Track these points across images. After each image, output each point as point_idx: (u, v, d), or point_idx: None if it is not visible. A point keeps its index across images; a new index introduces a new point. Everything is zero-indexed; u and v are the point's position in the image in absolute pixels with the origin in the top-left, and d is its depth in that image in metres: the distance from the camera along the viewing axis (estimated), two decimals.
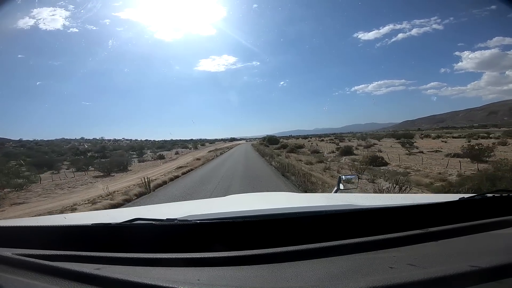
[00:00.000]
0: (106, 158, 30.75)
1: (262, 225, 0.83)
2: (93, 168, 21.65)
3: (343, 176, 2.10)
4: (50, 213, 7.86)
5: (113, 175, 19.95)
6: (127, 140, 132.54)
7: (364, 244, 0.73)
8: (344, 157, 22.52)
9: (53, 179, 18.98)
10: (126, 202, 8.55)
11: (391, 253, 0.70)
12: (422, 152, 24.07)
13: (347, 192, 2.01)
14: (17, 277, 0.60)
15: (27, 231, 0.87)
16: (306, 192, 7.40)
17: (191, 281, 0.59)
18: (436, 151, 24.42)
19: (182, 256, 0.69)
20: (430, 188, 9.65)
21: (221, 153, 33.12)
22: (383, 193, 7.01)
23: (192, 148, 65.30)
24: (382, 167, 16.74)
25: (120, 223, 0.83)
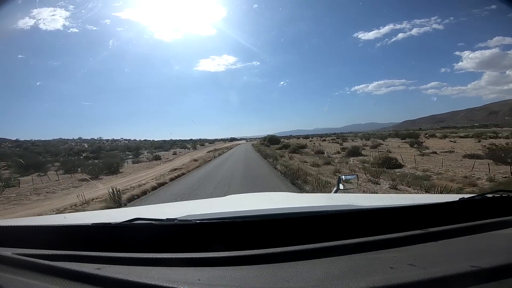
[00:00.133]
0: (101, 159, 29.12)
1: (262, 225, 0.83)
2: (80, 171, 19.93)
3: (343, 176, 2.06)
4: None
5: (102, 178, 18.33)
6: (125, 140, 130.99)
7: (364, 244, 0.72)
8: (352, 158, 20.90)
9: (35, 183, 17.31)
10: None
11: (391, 253, 0.70)
12: (435, 152, 22.46)
13: (347, 192, 1.99)
14: (17, 277, 0.60)
15: (27, 231, 0.87)
16: None
17: (191, 281, 0.59)
18: (450, 152, 22.84)
19: (182, 256, 0.69)
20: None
21: (219, 154, 31.10)
22: None
23: (191, 149, 63.75)
24: (397, 170, 15.12)
25: (120, 223, 0.83)
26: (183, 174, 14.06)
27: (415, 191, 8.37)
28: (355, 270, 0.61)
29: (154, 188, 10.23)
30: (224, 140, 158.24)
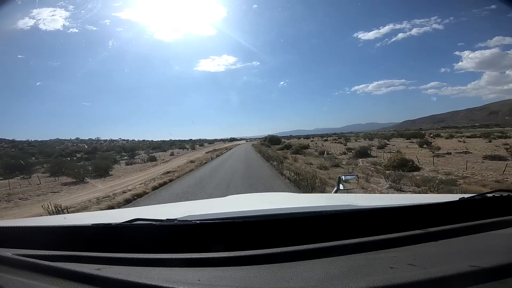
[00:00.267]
0: (94, 160, 27.43)
1: (262, 225, 0.83)
2: (65, 174, 18.23)
3: (343, 176, 2.05)
4: None
5: (87, 182, 16.72)
6: (123, 140, 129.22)
7: (364, 244, 0.72)
8: (361, 159, 19.30)
9: (14, 187, 15.69)
10: None
11: (391, 253, 0.70)
12: (449, 153, 20.86)
13: (347, 192, 1.98)
14: (17, 277, 0.60)
15: (27, 231, 0.87)
16: None
17: (191, 281, 0.59)
18: (465, 153, 21.26)
19: (182, 256, 0.69)
20: None
21: (217, 155, 29.20)
22: None
23: (189, 149, 62.16)
24: (415, 173, 13.53)
25: (120, 224, 0.82)
26: (170, 181, 11.95)
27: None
28: (355, 270, 0.61)
29: (128, 201, 8.30)
30: (223, 140, 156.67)
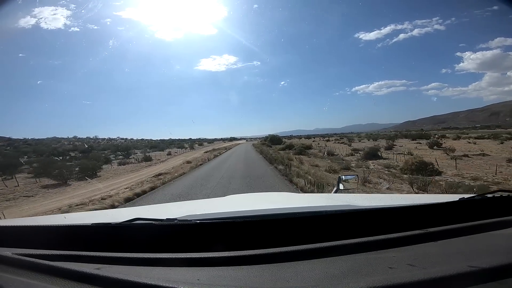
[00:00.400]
0: (86, 159, 25.77)
1: (262, 225, 0.82)
2: (47, 175, 16.61)
3: (343, 176, 2.05)
4: None
5: (70, 184, 15.16)
6: (122, 139, 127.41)
7: (364, 244, 0.72)
8: (371, 161, 17.72)
9: None
10: None
11: (391, 253, 0.70)
12: (466, 155, 19.28)
13: (346, 192, 1.97)
14: (17, 277, 0.60)
15: (27, 231, 0.86)
16: None
17: (191, 281, 0.59)
18: (482, 155, 19.69)
19: (182, 256, 0.69)
20: None
21: (215, 156, 27.19)
22: None
23: (188, 148, 60.54)
24: (436, 178, 11.95)
25: (120, 223, 0.82)
26: (153, 188, 9.86)
27: None
28: (355, 270, 0.61)
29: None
30: (223, 140, 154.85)
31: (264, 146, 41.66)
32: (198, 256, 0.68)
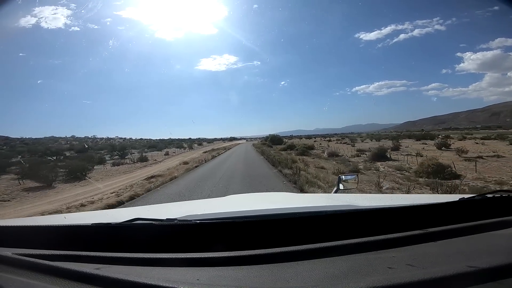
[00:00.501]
0: (77, 159, 24.60)
1: (262, 225, 0.82)
2: (29, 177, 15.40)
3: (343, 176, 2.04)
4: None
5: (55, 187, 14.01)
6: (120, 138, 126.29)
7: (364, 245, 0.72)
8: (379, 163, 16.56)
9: None
10: None
11: (390, 253, 0.70)
12: (480, 157, 18.12)
13: (346, 192, 1.95)
14: (17, 277, 0.60)
15: (27, 231, 0.86)
16: None
17: (191, 281, 0.59)
18: (497, 156, 18.54)
19: (182, 256, 0.69)
20: None
21: (213, 157, 25.86)
22: None
23: (187, 148, 59.40)
24: (456, 182, 10.79)
25: (120, 223, 0.82)
26: (133, 197, 8.39)
27: None
28: (355, 270, 0.61)
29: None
30: (223, 140, 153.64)
31: (264, 146, 40.44)
32: (198, 256, 0.68)
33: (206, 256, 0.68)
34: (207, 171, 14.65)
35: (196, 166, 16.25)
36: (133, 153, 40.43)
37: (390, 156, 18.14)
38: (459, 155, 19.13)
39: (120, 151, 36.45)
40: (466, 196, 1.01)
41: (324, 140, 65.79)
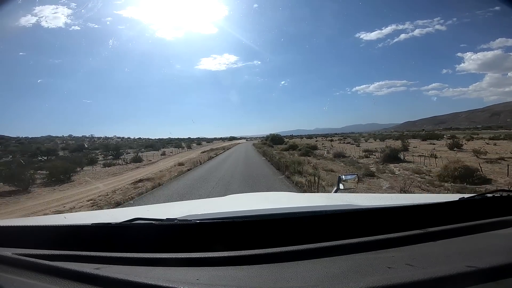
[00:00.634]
0: (53, 162, 22.93)
1: (262, 225, 0.82)
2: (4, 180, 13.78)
3: (343, 176, 2.03)
4: None
5: (31, 191, 12.46)
6: (118, 138, 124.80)
7: (364, 244, 0.72)
8: (392, 165, 15.04)
9: None
10: None
11: (390, 253, 0.70)
12: (502, 158, 16.61)
13: (346, 192, 1.93)
14: (17, 277, 0.60)
15: (27, 231, 0.86)
16: None
17: (191, 281, 0.59)
18: None
19: (182, 256, 0.69)
20: None
21: (210, 158, 24.02)
22: None
23: (185, 148, 57.86)
24: (487, 187, 9.31)
25: (120, 223, 0.82)
26: (116, 205, 6.94)
27: None
28: (355, 270, 0.61)
29: None
30: (223, 139, 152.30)
31: (265, 146, 38.84)
32: (198, 256, 0.68)
33: (206, 256, 0.68)
34: (205, 172, 13.12)
35: (188, 170, 14.57)
36: (129, 153, 38.90)
37: (404, 157, 16.59)
38: (477, 157, 17.60)
39: (114, 151, 34.74)
40: (466, 195, 1.00)
41: (326, 139, 64.24)
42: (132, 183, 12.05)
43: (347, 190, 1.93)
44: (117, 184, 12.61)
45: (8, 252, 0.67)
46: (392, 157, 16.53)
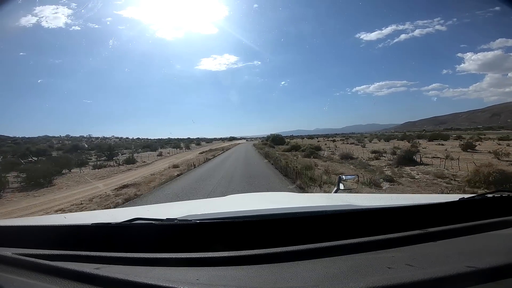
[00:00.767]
0: (37, 163, 21.44)
1: (262, 225, 0.82)
2: None
3: (343, 176, 2.04)
4: None
5: (3, 197, 10.98)
6: (116, 138, 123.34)
7: (364, 244, 0.72)
8: (408, 167, 13.57)
9: None
10: None
11: (390, 253, 0.70)
12: None
13: (347, 192, 1.93)
14: (17, 277, 0.60)
15: (27, 230, 0.86)
16: None
17: (191, 281, 0.59)
18: None
19: (182, 256, 0.69)
20: None
21: (206, 160, 22.50)
22: None
23: (184, 148, 56.36)
24: None
25: (120, 223, 0.82)
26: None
27: None
28: (355, 270, 0.61)
29: None
30: (223, 140, 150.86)
31: (266, 147, 37.29)
32: (198, 256, 0.68)
33: (206, 256, 0.68)
34: (201, 175, 11.72)
35: (179, 174, 12.99)
36: (124, 154, 37.38)
37: (421, 160, 15.11)
38: (498, 159, 16.14)
39: (108, 151, 33.20)
40: (466, 196, 1.00)
41: (328, 140, 62.79)
42: (116, 189, 10.58)
43: (347, 190, 1.93)
44: (101, 188, 11.14)
45: (8, 252, 0.67)
46: (407, 159, 15.04)
